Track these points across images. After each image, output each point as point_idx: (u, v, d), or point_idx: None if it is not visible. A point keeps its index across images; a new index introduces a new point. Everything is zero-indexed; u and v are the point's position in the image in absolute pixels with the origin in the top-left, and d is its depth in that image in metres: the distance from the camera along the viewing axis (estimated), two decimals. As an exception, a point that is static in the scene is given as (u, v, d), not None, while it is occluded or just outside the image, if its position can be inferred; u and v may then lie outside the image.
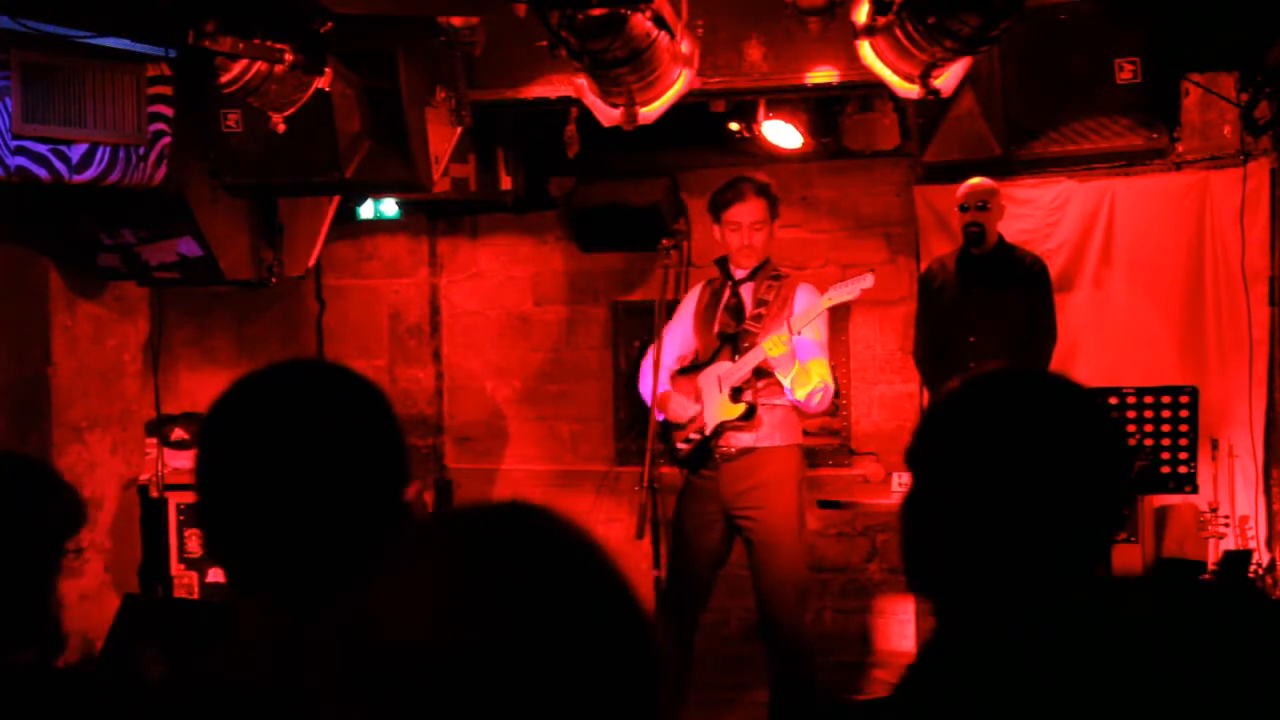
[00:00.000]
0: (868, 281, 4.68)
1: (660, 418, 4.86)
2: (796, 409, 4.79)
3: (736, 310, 4.89)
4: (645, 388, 4.96)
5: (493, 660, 0.94)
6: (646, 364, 4.99)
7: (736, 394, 4.77)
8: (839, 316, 5.73)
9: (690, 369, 4.97)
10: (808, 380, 4.65)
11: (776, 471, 4.79)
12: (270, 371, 1.46)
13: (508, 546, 1.01)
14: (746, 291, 4.89)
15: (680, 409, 4.85)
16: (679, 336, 5.00)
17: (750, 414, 4.75)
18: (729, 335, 4.87)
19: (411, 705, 0.95)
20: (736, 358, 4.80)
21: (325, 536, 1.39)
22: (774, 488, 4.77)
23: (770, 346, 4.60)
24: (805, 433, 5.01)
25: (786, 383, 4.66)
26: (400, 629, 0.97)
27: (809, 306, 4.70)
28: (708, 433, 4.80)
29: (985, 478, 1.48)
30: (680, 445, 4.85)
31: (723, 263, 4.95)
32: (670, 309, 4.99)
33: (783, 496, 4.77)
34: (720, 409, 4.79)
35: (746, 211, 4.79)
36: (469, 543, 1.02)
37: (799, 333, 4.61)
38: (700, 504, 4.82)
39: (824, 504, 6.01)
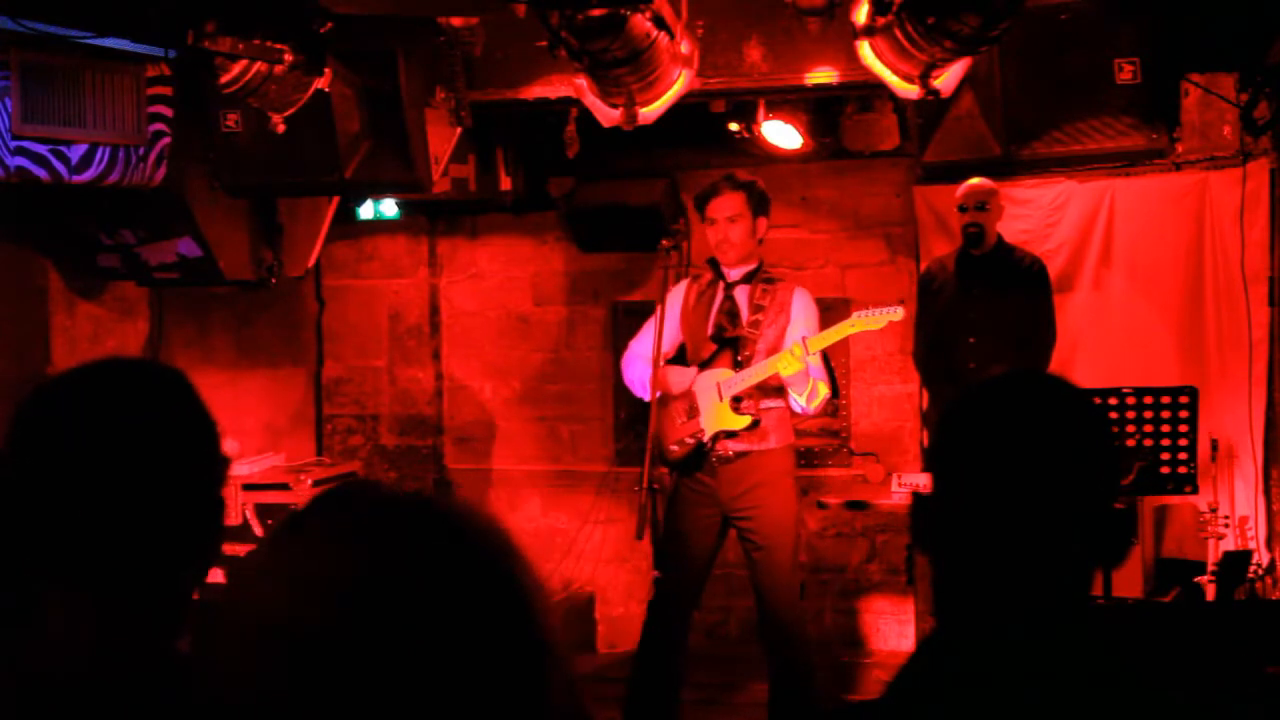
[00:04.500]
0: (897, 314, 4.68)
1: (652, 397, 4.80)
2: (793, 412, 4.82)
3: (731, 314, 4.84)
4: (636, 374, 4.93)
5: (361, 642, 0.93)
6: (634, 354, 4.97)
7: (738, 404, 4.74)
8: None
9: (675, 362, 4.92)
10: (816, 392, 4.70)
11: (773, 472, 4.80)
12: (76, 371, 1.51)
13: (382, 532, 1.00)
14: (741, 295, 4.85)
15: (679, 378, 4.81)
16: (668, 331, 4.92)
17: (754, 427, 4.75)
18: (726, 339, 4.83)
19: (281, 685, 0.94)
20: (740, 367, 4.76)
21: (128, 528, 1.43)
22: (771, 488, 4.77)
23: (784, 367, 4.60)
24: (801, 433, 5.01)
25: (802, 400, 4.69)
26: (265, 612, 0.96)
27: (828, 329, 4.70)
28: (705, 439, 4.79)
29: (989, 482, 1.49)
30: (673, 448, 4.80)
31: (715, 263, 4.91)
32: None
33: (780, 496, 4.79)
34: (720, 417, 4.76)
35: (722, 206, 4.78)
36: (338, 527, 1.01)
37: (813, 354, 4.61)
38: (698, 508, 4.79)
39: (824, 504, 6.02)
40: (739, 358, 4.77)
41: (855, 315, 4.72)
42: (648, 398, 4.83)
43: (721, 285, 4.88)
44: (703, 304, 4.88)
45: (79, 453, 1.44)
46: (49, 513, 1.43)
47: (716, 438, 4.77)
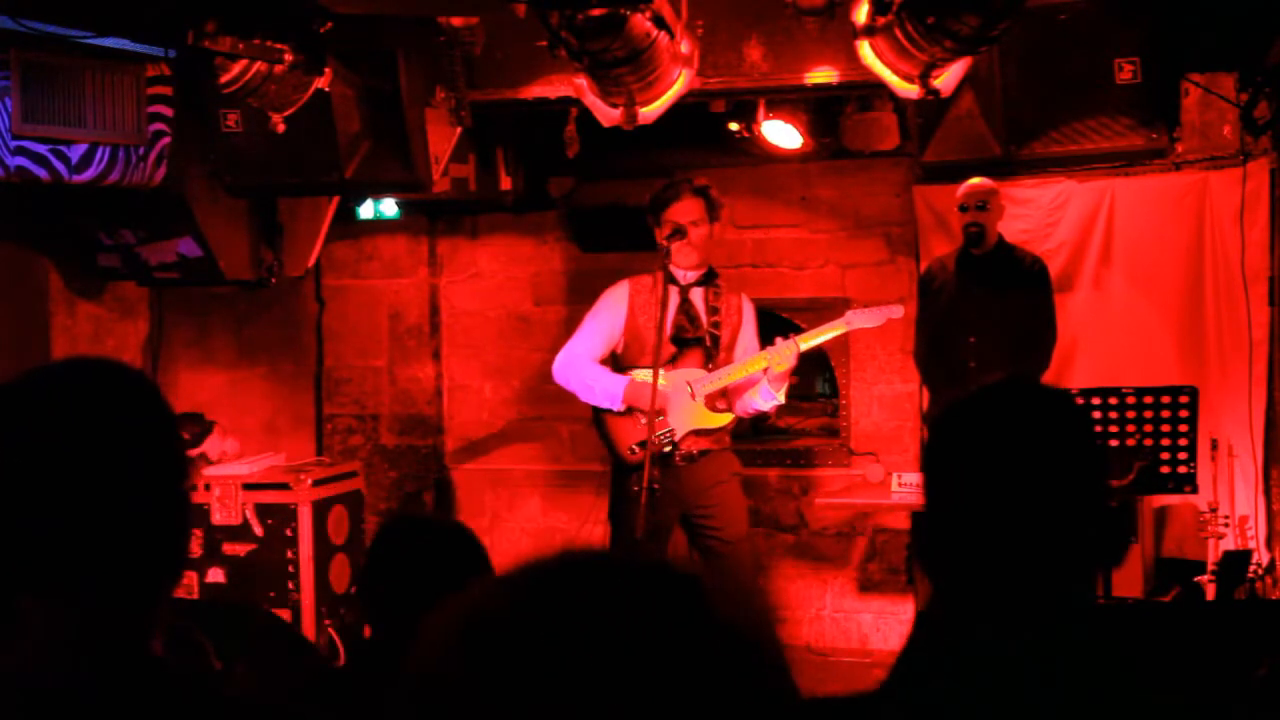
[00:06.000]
0: (897, 312, 4.79)
1: (621, 408, 4.82)
2: (748, 412, 4.95)
3: (691, 315, 4.90)
4: (600, 384, 4.88)
5: None
6: (572, 359, 4.95)
7: (713, 402, 4.84)
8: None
9: (624, 368, 4.92)
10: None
11: (728, 471, 4.93)
12: (27, 374, 1.48)
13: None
14: (697, 297, 4.91)
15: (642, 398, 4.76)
16: (605, 334, 4.95)
17: (733, 424, 4.83)
18: (689, 340, 4.87)
19: None
20: (711, 365, 4.83)
21: (86, 528, 1.40)
22: (728, 486, 4.91)
23: (778, 364, 4.67)
24: (800, 433, 5.03)
25: (780, 396, 4.80)
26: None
27: (819, 327, 4.81)
28: (676, 438, 4.81)
29: (981, 489, 1.49)
30: (637, 449, 4.77)
31: (666, 265, 4.85)
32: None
33: (736, 494, 4.95)
34: (696, 416, 4.82)
35: (686, 209, 4.81)
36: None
37: (804, 350, 4.71)
38: (662, 507, 4.76)
39: (824, 504, 6.02)
40: (711, 357, 4.84)
41: (849, 314, 4.79)
42: (617, 405, 4.83)
43: (675, 288, 4.89)
44: (656, 306, 4.76)
45: (31, 453, 1.42)
46: (9, 516, 1.41)
47: (685, 437, 4.82)
